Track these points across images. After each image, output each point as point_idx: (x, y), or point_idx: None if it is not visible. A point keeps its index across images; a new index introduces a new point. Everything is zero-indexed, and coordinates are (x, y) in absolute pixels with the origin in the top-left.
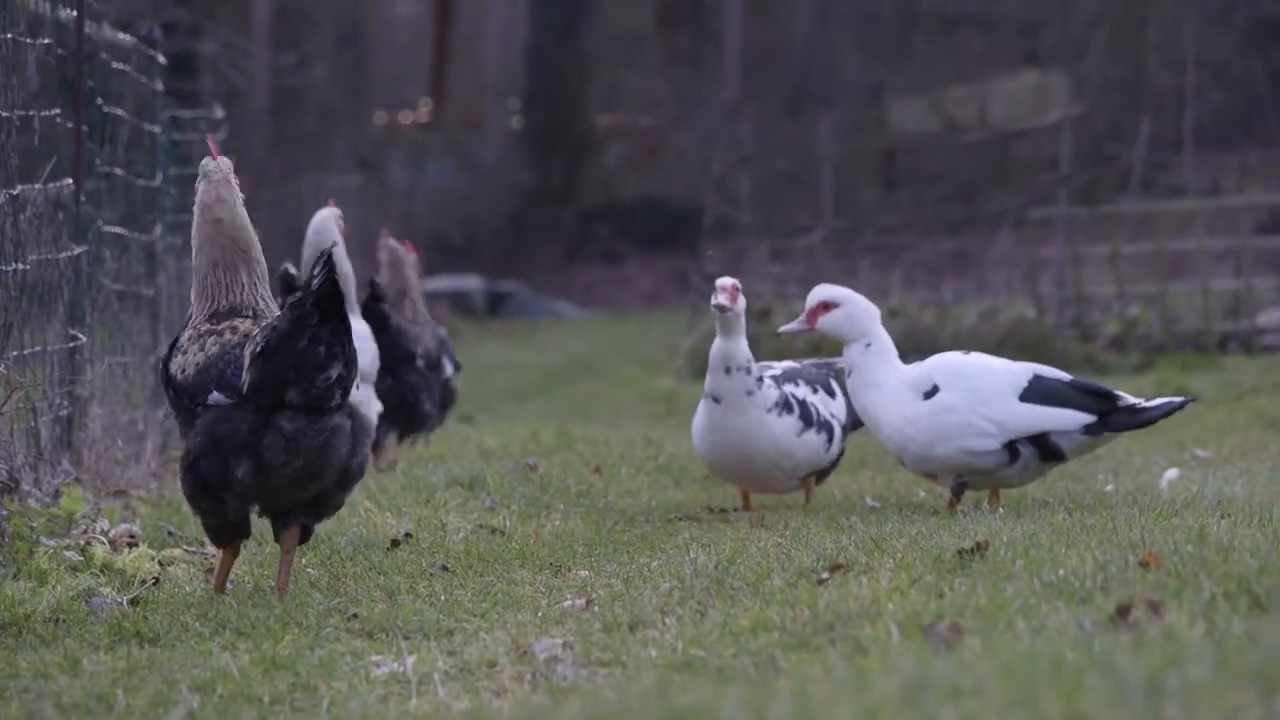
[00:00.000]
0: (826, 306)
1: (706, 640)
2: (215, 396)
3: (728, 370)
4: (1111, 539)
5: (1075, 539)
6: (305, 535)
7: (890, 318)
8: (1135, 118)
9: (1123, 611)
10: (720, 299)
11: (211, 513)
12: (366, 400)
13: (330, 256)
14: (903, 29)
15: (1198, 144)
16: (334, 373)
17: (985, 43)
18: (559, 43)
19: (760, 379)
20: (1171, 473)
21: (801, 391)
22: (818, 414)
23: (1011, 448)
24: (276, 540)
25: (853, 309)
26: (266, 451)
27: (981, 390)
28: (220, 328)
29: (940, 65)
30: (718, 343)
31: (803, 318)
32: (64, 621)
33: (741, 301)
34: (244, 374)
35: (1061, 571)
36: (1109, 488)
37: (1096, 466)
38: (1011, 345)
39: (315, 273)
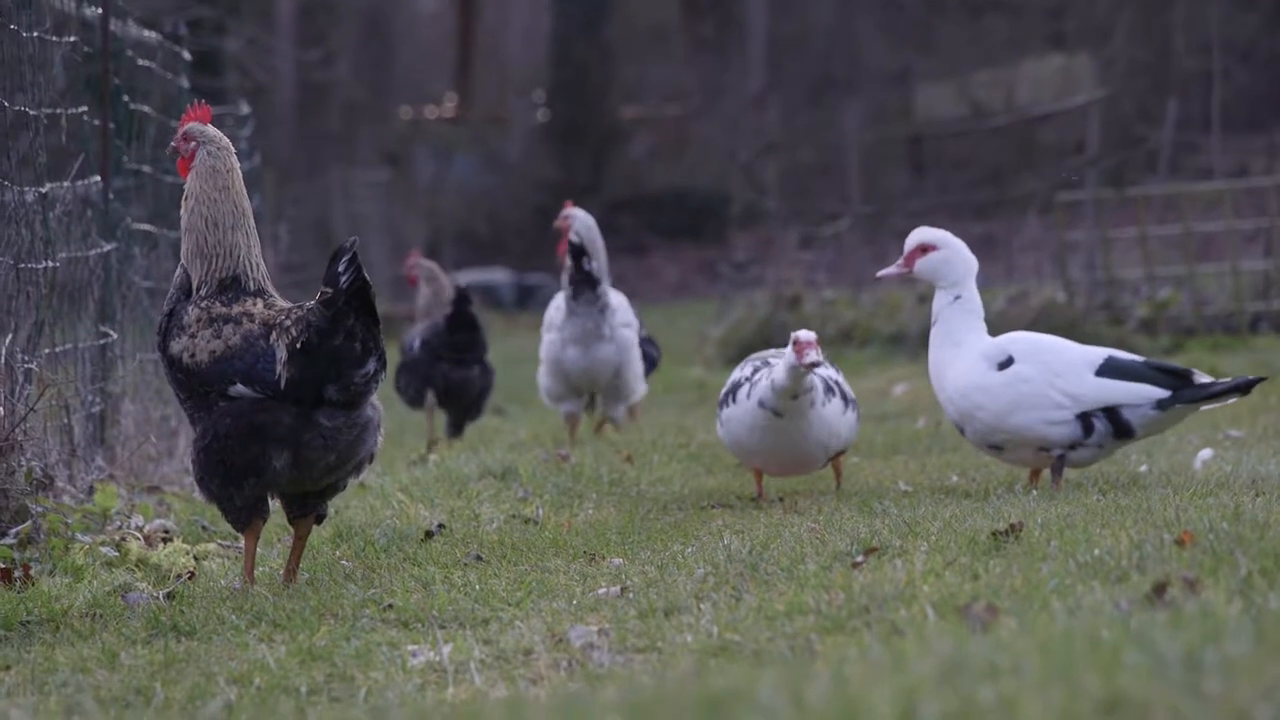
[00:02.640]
0: (924, 250)
1: (742, 625)
2: (240, 389)
3: (795, 396)
4: (1146, 518)
5: (1110, 519)
6: (320, 519)
7: (920, 303)
8: (1162, 100)
9: (1159, 589)
10: (811, 356)
11: (228, 495)
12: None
13: (355, 254)
14: (927, 14)
15: (1225, 125)
16: (371, 368)
17: (1011, 26)
18: (583, 35)
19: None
20: (1205, 453)
21: (831, 371)
22: (849, 393)
23: (1086, 421)
24: (291, 524)
25: (951, 254)
26: (306, 446)
27: (1056, 365)
28: (235, 312)
29: (966, 50)
30: (785, 381)
31: (901, 260)
32: (101, 616)
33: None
34: (279, 368)
35: (1097, 551)
36: (1143, 468)
37: (1131, 447)
38: (1041, 329)
39: (341, 270)
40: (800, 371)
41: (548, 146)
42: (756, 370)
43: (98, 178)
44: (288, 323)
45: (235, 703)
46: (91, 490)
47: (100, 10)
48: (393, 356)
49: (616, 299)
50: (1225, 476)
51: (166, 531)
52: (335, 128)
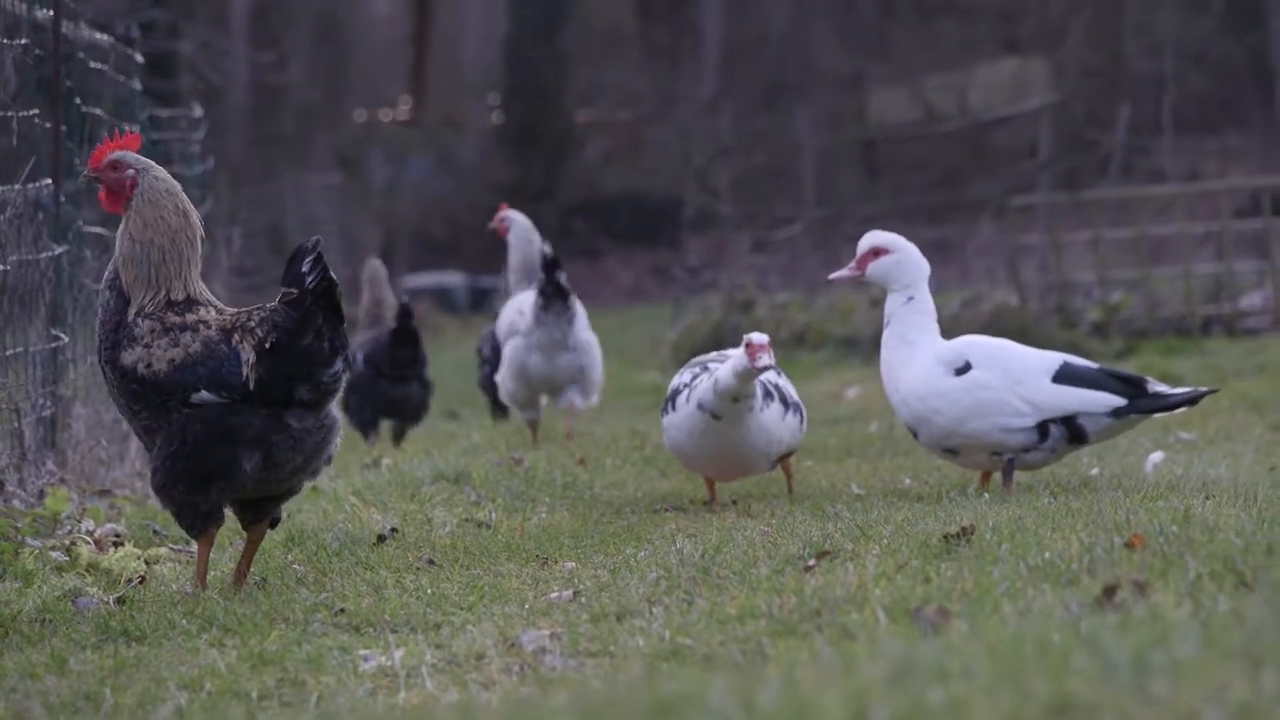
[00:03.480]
0: (877, 253)
1: (694, 629)
2: (204, 395)
3: (736, 400)
4: (1097, 521)
5: (1061, 522)
6: (275, 523)
7: (872, 307)
8: (1114, 103)
9: (1109, 593)
10: (764, 360)
11: (193, 502)
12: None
13: (319, 253)
14: (881, 19)
15: (1177, 128)
16: (338, 367)
17: (964, 31)
18: (538, 39)
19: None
20: (1156, 455)
21: (772, 375)
22: (790, 396)
23: (1042, 427)
24: (245, 529)
25: (903, 257)
26: (276, 448)
27: (1015, 370)
28: (189, 320)
29: (919, 54)
30: (731, 382)
31: (853, 263)
32: (51, 621)
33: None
34: (245, 370)
35: (1047, 554)
36: (1094, 471)
37: (1082, 451)
38: (994, 332)
39: (306, 269)
40: (751, 373)
41: (502, 150)
42: (696, 376)
43: (49, 180)
44: (251, 324)
45: (185, 708)
46: (42, 494)
47: (52, 13)
48: None
49: (580, 308)
50: (1176, 479)
51: (118, 536)
52: (289, 131)
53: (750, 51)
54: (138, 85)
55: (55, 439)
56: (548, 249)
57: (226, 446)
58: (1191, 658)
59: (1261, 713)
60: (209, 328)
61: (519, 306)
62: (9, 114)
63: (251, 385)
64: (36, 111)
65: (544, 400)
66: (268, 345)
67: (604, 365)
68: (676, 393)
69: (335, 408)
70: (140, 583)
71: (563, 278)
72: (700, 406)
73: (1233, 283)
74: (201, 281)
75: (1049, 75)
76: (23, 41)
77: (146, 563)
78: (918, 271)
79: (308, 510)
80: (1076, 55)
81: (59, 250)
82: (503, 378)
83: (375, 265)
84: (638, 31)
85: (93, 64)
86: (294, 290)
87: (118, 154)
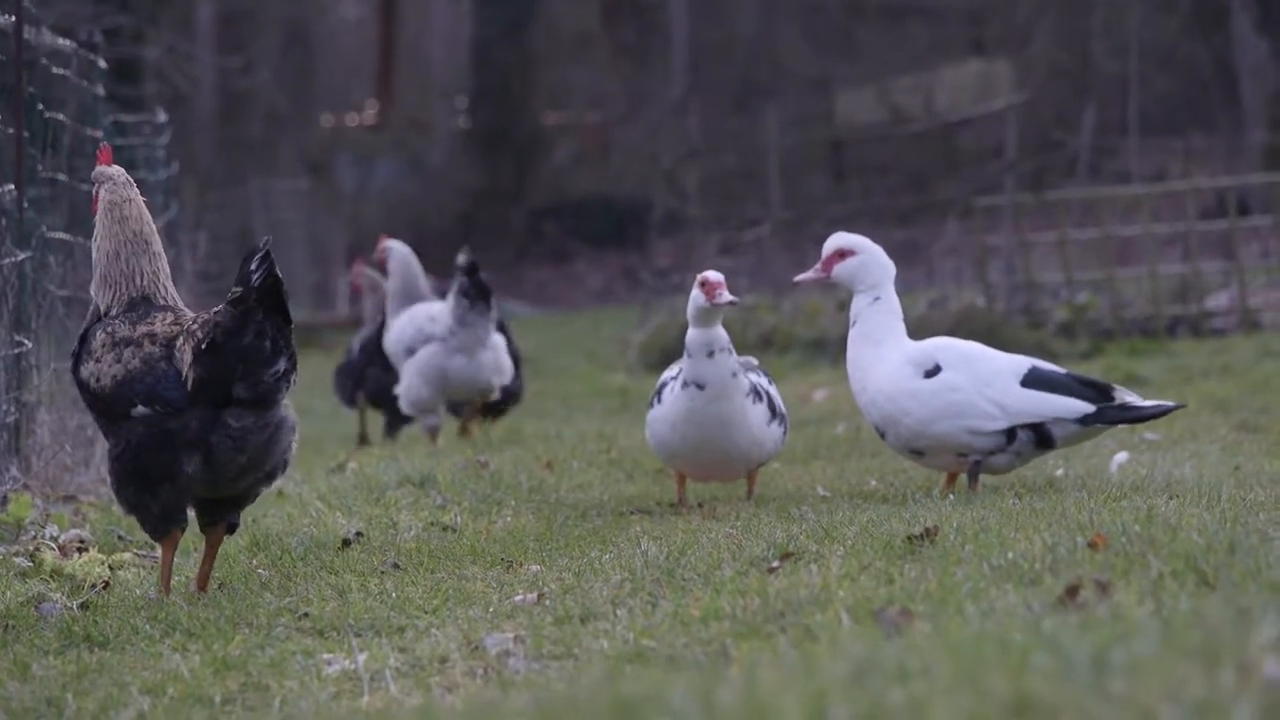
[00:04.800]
0: (843, 254)
1: (658, 631)
2: (141, 410)
3: (711, 354)
4: (1060, 522)
5: (1024, 522)
6: (232, 528)
7: (839, 310)
8: (1080, 105)
9: (1071, 592)
10: (725, 296)
11: (144, 504)
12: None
13: (268, 252)
14: (848, 20)
15: (1143, 130)
16: (281, 367)
17: (930, 32)
18: (505, 41)
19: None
20: (1121, 456)
21: (763, 381)
22: (779, 406)
23: (1010, 431)
24: (202, 531)
25: (868, 259)
26: (215, 449)
27: (985, 374)
28: (138, 334)
29: (886, 56)
30: (694, 331)
31: (818, 265)
32: (13, 627)
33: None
34: (185, 372)
35: (1011, 555)
36: (1059, 472)
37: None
38: (961, 333)
39: (254, 268)
40: (709, 312)
41: (470, 153)
42: (681, 370)
43: (12, 186)
44: (194, 327)
45: (148, 713)
46: (5, 500)
47: (13, 18)
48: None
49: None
50: (1140, 479)
51: (82, 541)
52: (256, 135)
53: (718, 53)
54: (101, 91)
55: (19, 445)
56: (463, 257)
57: (166, 450)
58: (1151, 656)
59: (1218, 709)
60: (154, 341)
61: (429, 314)
62: None
63: (190, 387)
64: None
65: (444, 413)
66: (204, 345)
67: (559, 368)
68: (664, 385)
69: (286, 408)
70: (104, 588)
71: (483, 280)
72: (684, 384)
73: (1199, 283)
74: (164, 279)
75: (1015, 76)
76: None
77: (111, 568)
78: (883, 272)
79: (272, 514)
80: (1043, 56)
81: (22, 256)
82: (411, 386)
83: (371, 275)
84: (605, 33)
85: (55, 69)
86: (239, 289)
87: (96, 169)
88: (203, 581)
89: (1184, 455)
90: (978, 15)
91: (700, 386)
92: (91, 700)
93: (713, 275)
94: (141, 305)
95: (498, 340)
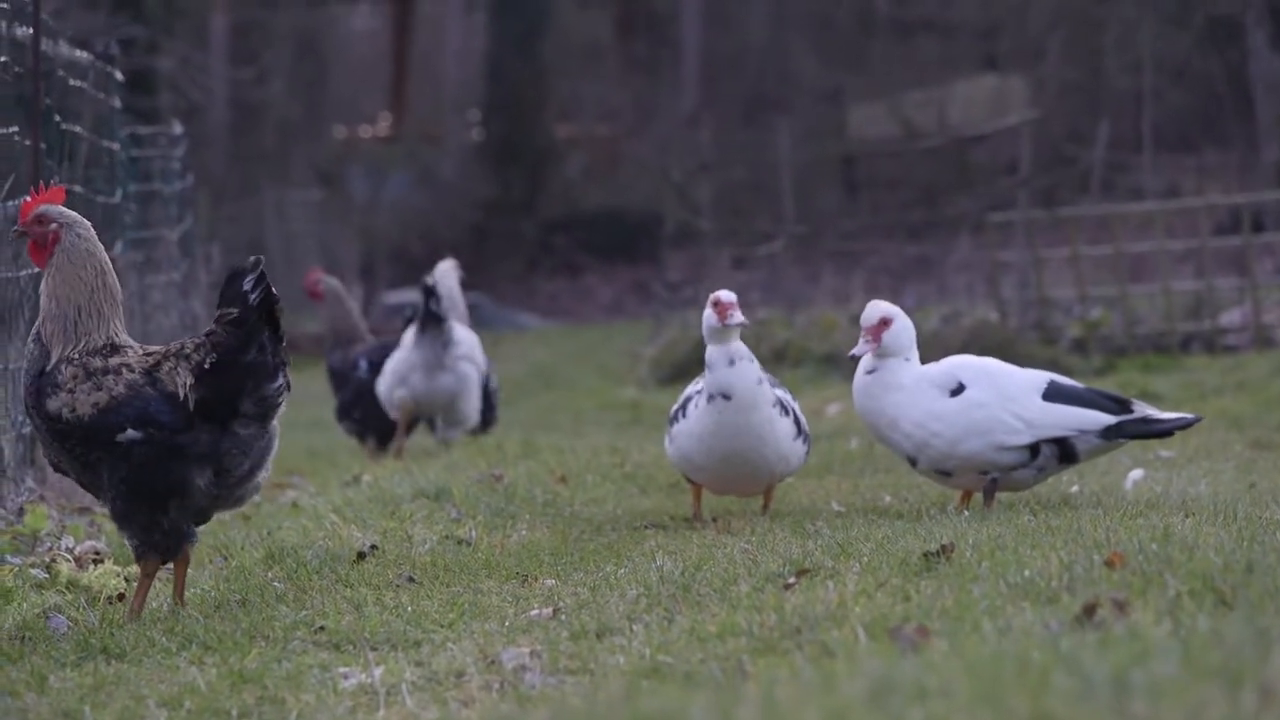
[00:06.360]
0: (886, 323)
1: (674, 646)
2: (131, 434)
3: (732, 362)
4: (1077, 539)
5: (1040, 540)
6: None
7: (852, 325)
8: (1094, 120)
9: (1089, 611)
10: (737, 316)
11: (156, 524)
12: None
13: (261, 271)
14: (860, 35)
15: (1156, 145)
16: (281, 382)
17: (943, 47)
18: (518, 54)
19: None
20: (1136, 473)
21: (787, 396)
22: (804, 425)
23: (1034, 446)
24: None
25: (905, 322)
26: (226, 456)
27: (1008, 389)
28: (111, 364)
29: (898, 70)
30: (713, 347)
31: (868, 338)
32: (30, 639)
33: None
34: (184, 392)
35: (1027, 572)
36: (1074, 489)
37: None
38: (974, 349)
39: (248, 287)
40: (721, 332)
41: (482, 165)
42: (705, 385)
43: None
44: (186, 351)
45: None
46: (21, 512)
47: (31, 30)
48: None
49: (464, 334)
50: (1156, 497)
51: (97, 553)
52: (269, 147)
53: (729, 67)
54: (117, 102)
55: (35, 456)
56: (429, 280)
57: (174, 466)
58: (1171, 677)
59: None
60: (131, 370)
61: (403, 341)
62: None
63: (191, 406)
64: (16, 129)
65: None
66: (207, 366)
67: (571, 382)
68: (689, 400)
69: (277, 423)
70: (120, 600)
71: (435, 305)
72: (710, 397)
73: (1212, 300)
74: (124, 330)
75: (1028, 92)
76: (2, 59)
77: (126, 580)
78: (913, 334)
79: (288, 527)
80: (1056, 72)
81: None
82: (391, 385)
83: (334, 284)
84: (617, 46)
85: (72, 81)
86: (234, 309)
87: (42, 208)
88: (179, 597)
89: (1199, 473)
90: (991, 30)
91: (727, 397)
92: (108, 713)
93: (725, 295)
94: (105, 347)
95: (464, 369)
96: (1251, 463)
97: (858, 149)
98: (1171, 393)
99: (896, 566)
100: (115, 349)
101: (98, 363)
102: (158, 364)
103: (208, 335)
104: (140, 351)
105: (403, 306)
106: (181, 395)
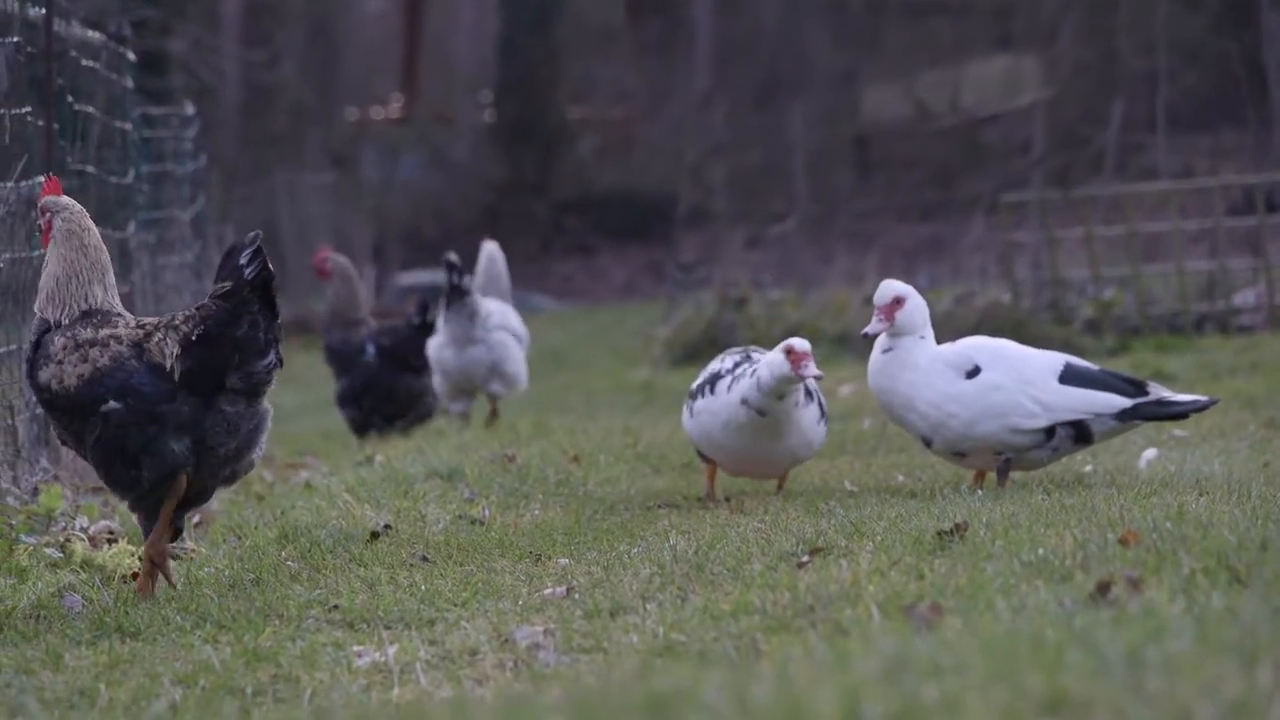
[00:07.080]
0: (899, 301)
1: (687, 625)
2: (113, 405)
3: (781, 397)
4: (1090, 518)
5: (1054, 518)
6: (178, 532)
7: (866, 305)
8: (1107, 100)
9: (1103, 589)
10: (812, 369)
11: (137, 480)
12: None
13: (259, 246)
14: (873, 16)
15: (1170, 126)
16: (272, 359)
17: (956, 28)
18: (530, 36)
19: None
20: (1150, 452)
21: (813, 382)
22: (824, 404)
23: (1050, 428)
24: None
25: (918, 300)
26: (210, 431)
27: (1025, 371)
28: (100, 335)
29: (912, 51)
30: (771, 385)
31: (881, 317)
32: (45, 618)
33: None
34: (170, 362)
35: (1041, 551)
36: (1088, 468)
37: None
38: (987, 329)
39: (244, 262)
40: (791, 380)
41: (495, 146)
42: (738, 364)
43: (42, 178)
44: (176, 322)
45: (180, 703)
46: (36, 491)
47: (44, 11)
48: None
49: (494, 305)
50: (1169, 476)
51: (111, 532)
52: (281, 129)
53: (742, 48)
54: (130, 83)
55: (49, 436)
56: (452, 256)
57: (146, 428)
58: (1185, 653)
59: (1255, 709)
60: (120, 342)
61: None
62: (1, 112)
63: (177, 377)
64: (29, 109)
65: (470, 400)
66: (194, 337)
67: (584, 362)
68: (717, 377)
69: (268, 401)
70: (134, 579)
71: (457, 278)
72: (745, 402)
73: (1226, 280)
74: (112, 297)
75: (1042, 72)
76: (15, 40)
77: (140, 559)
78: (927, 312)
79: (301, 507)
80: (1069, 52)
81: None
82: (435, 380)
83: (343, 262)
84: (630, 28)
85: (85, 62)
86: (228, 283)
87: (42, 200)
88: (167, 575)
89: (1213, 452)
90: (1004, 11)
91: (761, 414)
92: (124, 690)
93: (798, 344)
94: (97, 315)
95: (498, 337)
96: (1266, 442)
97: (871, 130)
98: (1185, 373)
99: (910, 545)
100: (107, 318)
101: (88, 334)
102: (148, 335)
103: (198, 308)
104: (133, 322)
105: (416, 288)
106: (168, 366)
